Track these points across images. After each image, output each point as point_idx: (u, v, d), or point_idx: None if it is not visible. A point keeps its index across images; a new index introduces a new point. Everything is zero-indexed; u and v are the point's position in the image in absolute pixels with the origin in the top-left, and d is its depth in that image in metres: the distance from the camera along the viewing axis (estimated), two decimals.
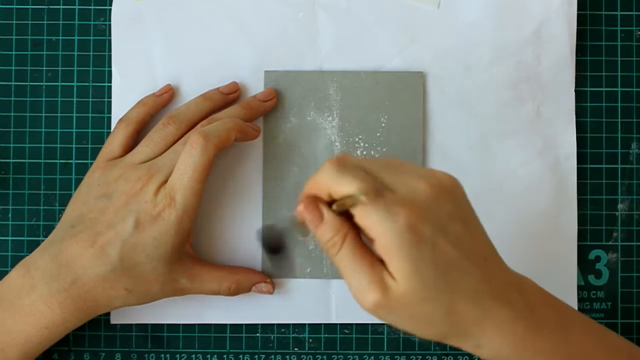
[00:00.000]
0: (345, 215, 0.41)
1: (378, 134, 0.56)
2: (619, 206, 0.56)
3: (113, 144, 0.53)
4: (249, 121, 0.54)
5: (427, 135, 0.56)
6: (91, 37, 0.57)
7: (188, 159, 0.49)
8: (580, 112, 0.56)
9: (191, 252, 0.53)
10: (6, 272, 0.54)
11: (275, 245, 0.45)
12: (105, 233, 0.49)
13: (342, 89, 0.56)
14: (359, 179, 0.40)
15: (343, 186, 0.41)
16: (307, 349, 0.56)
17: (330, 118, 0.56)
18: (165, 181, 0.50)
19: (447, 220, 0.41)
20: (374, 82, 0.56)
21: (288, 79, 0.56)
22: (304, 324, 0.56)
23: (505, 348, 0.42)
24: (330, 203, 0.41)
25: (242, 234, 0.56)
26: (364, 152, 0.56)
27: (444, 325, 0.41)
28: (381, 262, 0.40)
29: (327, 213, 0.41)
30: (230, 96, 0.55)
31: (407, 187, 0.41)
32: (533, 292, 0.44)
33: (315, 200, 0.42)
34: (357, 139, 0.56)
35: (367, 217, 0.40)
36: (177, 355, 0.56)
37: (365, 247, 0.41)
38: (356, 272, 0.41)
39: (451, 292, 0.40)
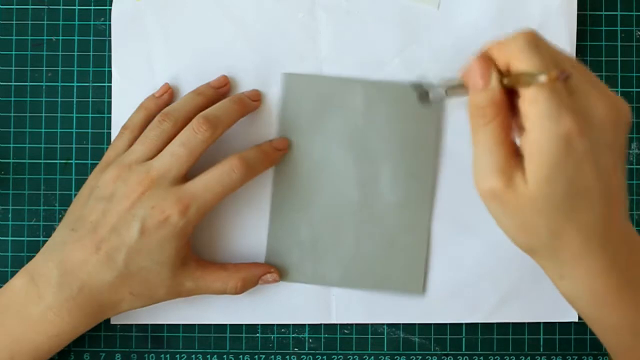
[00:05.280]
0: (508, 96, 0.39)
1: (393, 144, 0.55)
2: None
3: (117, 149, 0.53)
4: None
5: (443, 149, 0.56)
6: (91, 37, 0.57)
7: (223, 179, 0.50)
8: None
9: (192, 254, 0.53)
10: (6, 273, 0.54)
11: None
12: (109, 238, 0.49)
13: (360, 97, 0.55)
14: (548, 62, 0.38)
15: (528, 61, 0.38)
16: (307, 349, 0.56)
17: (345, 125, 0.55)
18: (171, 185, 0.50)
19: (602, 149, 0.39)
20: (392, 92, 0.55)
21: (306, 82, 0.55)
22: (304, 324, 0.56)
23: (588, 293, 0.41)
24: (503, 74, 0.40)
25: (247, 231, 0.56)
26: (377, 158, 0.55)
27: (543, 243, 0.40)
28: (517, 157, 0.39)
29: (494, 80, 0.39)
30: (221, 90, 0.55)
31: (587, 97, 0.39)
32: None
33: (489, 62, 0.40)
34: (371, 148, 0.55)
35: (535, 104, 0.38)
36: (177, 356, 0.56)
37: (510, 135, 0.39)
38: (490, 153, 0.39)
39: (569, 217, 0.39)
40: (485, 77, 0.39)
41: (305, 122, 0.55)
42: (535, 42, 0.39)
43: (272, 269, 0.54)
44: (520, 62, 0.39)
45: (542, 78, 0.38)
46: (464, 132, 0.55)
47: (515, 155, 0.39)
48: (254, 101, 0.55)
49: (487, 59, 0.40)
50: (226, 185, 0.50)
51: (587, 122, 0.39)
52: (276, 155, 0.55)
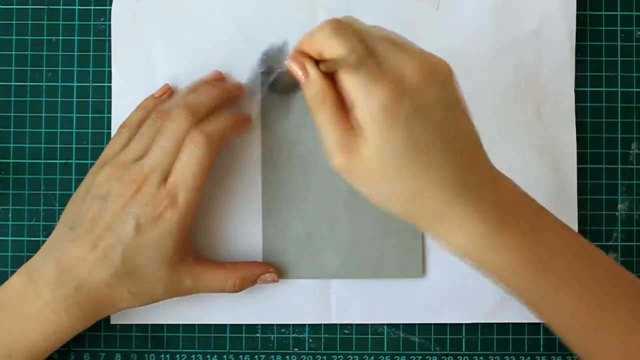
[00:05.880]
0: (333, 78, 0.42)
1: None
2: (619, 206, 0.56)
3: (114, 147, 0.53)
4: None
5: None
6: (91, 37, 0.57)
7: (191, 158, 0.49)
8: (580, 112, 0.56)
9: (192, 251, 0.53)
10: (6, 273, 0.54)
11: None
12: (105, 237, 0.49)
13: None
14: (350, 44, 0.41)
15: (333, 47, 0.41)
16: (307, 349, 0.56)
17: None
18: (162, 180, 0.50)
19: (429, 105, 0.41)
20: None
21: None
22: (304, 324, 0.56)
23: (465, 244, 0.42)
24: (319, 62, 0.43)
25: (243, 231, 0.56)
26: None
27: (407, 206, 0.42)
28: (356, 128, 0.41)
29: (312, 71, 0.42)
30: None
31: (397, 64, 0.41)
32: (508, 191, 0.44)
33: (303, 56, 0.43)
34: None
35: (349, 84, 0.41)
36: (177, 356, 0.56)
37: (344, 111, 0.42)
38: (329, 133, 0.42)
39: (418, 176, 0.41)
40: (303, 71, 0.43)
41: (287, 119, 0.55)
42: (339, 27, 0.42)
43: (271, 269, 0.54)
44: (328, 49, 0.42)
45: (343, 63, 0.41)
46: None
47: (352, 128, 0.42)
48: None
49: (300, 54, 0.43)
50: (197, 162, 0.49)
51: (403, 86, 0.41)
52: (242, 116, 0.54)
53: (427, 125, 0.41)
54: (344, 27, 0.42)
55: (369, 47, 0.41)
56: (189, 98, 0.52)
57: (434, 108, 0.41)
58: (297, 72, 0.43)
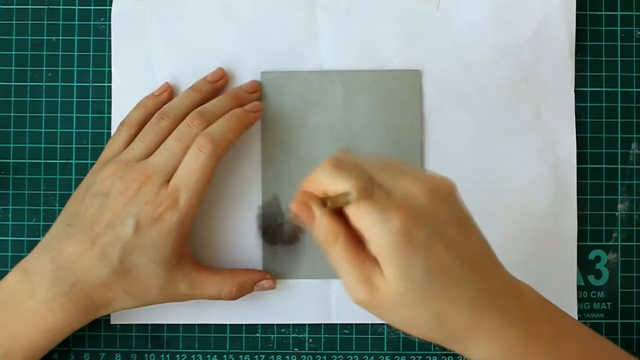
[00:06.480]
0: (340, 213, 0.41)
1: (377, 133, 0.55)
2: (619, 206, 0.56)
3: (114, 146, 0.53)
4: (242, 129, 0.53)
5: (426, 135, 0.56)
6: (91, 37, 0.57)
7: (195, 162, 0.50)
8: (580, 112, 0.56)
9: (191, 256, 0.53)
10: (6, 273, 0.54)
11: (276, 235, 0.48)
12: (104, 234, 0.49)
13: (340, 89, 0.56)
14: (354, 178, 0.40)
15: (337, 184, 0.41)
16: (307, 349, 0.56)
17: (328, 118, 0.56)
18: (165, 181, 0.50)
19: (443, 226, 0.41)
20: (371, 81, 0.56)
21: (285, 79, 0.56)
22: (304, 324, 0.56)
23: (496, 356, 0.42)
24: (325, 201, 0.41)
25: (242, 235, 0.56)
26: (362, 147, 0.55)
27: (433, 329, 0.41)
28: (374, 260, 0.40)
29: (318, 212, 0.41)
30: (218, 83, 0.55)
31: (403, 190, 0.41)
32: (531, 300, 0.43)
33: (308, 199, 0.42)
34: (355, 139, 0.55)
35: (360, 218, 0.40)
36: (177, 356, 0.56)
37: (358, 244, 0.41)
38: (347, 270, 0.41)
39: (442, 298, 0.40)
40: (309, 213, 0.41)
41: (287, 119, 0.56)
42: (339, 164, 0.41)
43: (269, 276, 0.54)
44: (332, 187, 0.41)
45: (354, 198, 0.40)
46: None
47: (368, 261, 0.41)
48: (251, 93, 0.55)
49: (304, 196, 0.42)
50: (201, 166, 0.50)
51: (414, 209, 0.40)
52: (250, 118, 0.54)
53: (444, 244, 0.40)
54: (343, 163, 0.41)
55: (372, 178, 0.41)
56: (205, 106, 0.52)
57: (447, 226, 0.41)
58: (303, 216, 0.42)
